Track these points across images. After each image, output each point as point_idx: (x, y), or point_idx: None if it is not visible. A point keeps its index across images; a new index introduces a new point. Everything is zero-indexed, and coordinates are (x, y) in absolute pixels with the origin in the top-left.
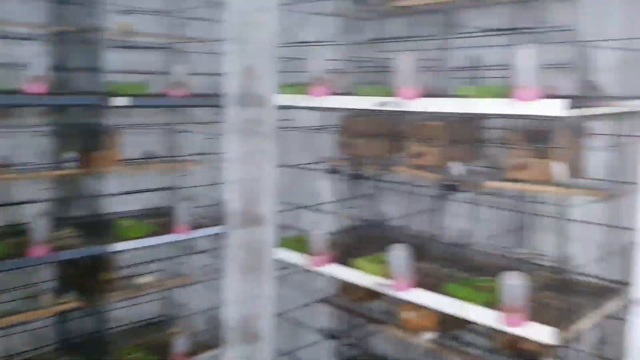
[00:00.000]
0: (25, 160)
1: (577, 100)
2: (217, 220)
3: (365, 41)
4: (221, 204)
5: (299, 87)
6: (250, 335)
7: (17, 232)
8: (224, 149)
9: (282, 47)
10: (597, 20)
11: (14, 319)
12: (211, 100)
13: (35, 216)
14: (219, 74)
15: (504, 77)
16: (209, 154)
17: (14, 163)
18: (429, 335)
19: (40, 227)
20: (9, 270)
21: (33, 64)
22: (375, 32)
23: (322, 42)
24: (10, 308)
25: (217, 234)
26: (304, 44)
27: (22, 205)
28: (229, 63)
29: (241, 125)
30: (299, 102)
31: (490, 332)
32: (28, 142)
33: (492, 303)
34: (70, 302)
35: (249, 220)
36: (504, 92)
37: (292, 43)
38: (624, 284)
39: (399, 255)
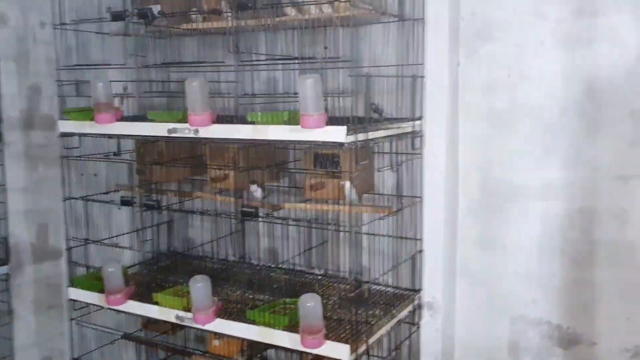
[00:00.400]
0: None
1: (357, 126)
2: (2, 259)
3: (157, 64)
4: (6, 239)
5: (86, 113)
6: None
7: None
8: (7, 179)
9: (67, 69)
10: (377, 47)
11: None
12: None
13: None
14: None
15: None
16: None
17: None
18: None
19: None
20: None
21: None
22: (168, 55)
23: (110, 64)
24: None
25: (3, 274)
26: (90, 67)
27: None
28: (8, 84)
29: (25, 152)
30: (86, 128)
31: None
32: None
33: (292, 325)
34: None
35: (39, 256)
36: (291, 119)
37: (78, 65)
38: (415, 290)
39: (199, 286)
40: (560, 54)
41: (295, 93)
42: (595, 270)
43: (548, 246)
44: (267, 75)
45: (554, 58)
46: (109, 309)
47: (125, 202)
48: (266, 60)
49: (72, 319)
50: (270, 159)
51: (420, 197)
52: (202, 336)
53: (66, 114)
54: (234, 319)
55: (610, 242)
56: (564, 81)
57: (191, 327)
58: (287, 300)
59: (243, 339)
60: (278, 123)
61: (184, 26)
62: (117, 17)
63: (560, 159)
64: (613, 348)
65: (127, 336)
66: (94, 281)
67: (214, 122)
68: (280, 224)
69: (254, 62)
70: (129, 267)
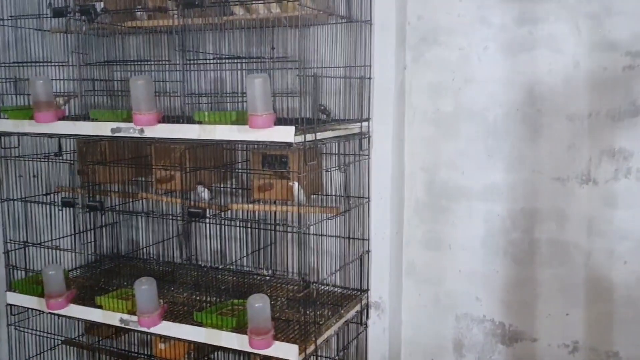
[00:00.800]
0: None
1: (305, 126)
2: None
3: (99, 62)
4: None
5: (25, 111)
6: None
7: None
8: None
9: (5, 66)
10: (324, 48)
11: None
12: None
13: None
14: None
15: (245, 102)
16: None
17: None
18: None
19: None
20: None
21: None
22: (113, 52)
23: (50, 62)
24: None
25: None
26: (31, 64)
27: None
28: None
29: None
30: (25, 127)
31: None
32: None
33: (240, 327)
34: None
35: None
36: (239, 118)
37: (17, 62)
38: (363, 290)
39: (144, 288)
40: (502, 59)
41: (243, 93)
42: (535, 268)
43: (491, 245)
44: (214, 75)
45: (497, 63)
46: (50, 313)
47: (66, 204)
48: (213, 59)
49: (9, 324)
50: (217, 160)
51: (367, 197)
52: (147, 340)
53: (4, 112)
54: (180, 322)
55: (549, 242)
56: (506, 86)
57: (136, 331)
58: (235, 301)
59: (190, 342)
60: (226, 123)
61: (129, 24)
62: (58, 13)
63: (502, 161)
64: (553, 344)
65: (68, 341)
66: (34, 285)
67: (159, 122)
68: (228, 225)
69: (201, 62)
70: (70, 271)
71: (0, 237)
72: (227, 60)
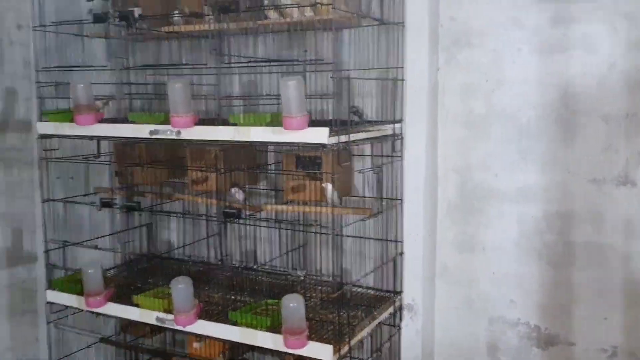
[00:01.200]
0: None
1: (338, 128)
2: None
3: (138, 66)
4: None
5: (65, 114)
6: None
7: None
8: None
9: (47, 70)
10: (357, 50)
11: None
12: None
13: None
14: None
15: (279, 104)
16: None
17: None
18: None
19: None
20: None
21: None
22: (149, 57)
23: (89, 66)
24: None
25: None
26: (70, 68)
27: None
28: None
29: (1, 154)
30: (65, 130)
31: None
32: None
33: (275, 326)
34: None
35: (14, 260)
36: (273, 120)
37: (59, 67)
38: (396, 292)
39: (181, 287)
40: (536, 61)
41: (277, 95)
42: (572, 271)
43: (526, 248)
44: (247, 77)
45: (531, 64)
46: (88, 311)
47: (105, 204)
48: (248, 62)
49: (49, 322)
50: (250, 162)
51: (400, 199)
52: (181, 339)
53: (45, 115)
54: (215, 321)
55: (586, 244)
56: (540, 87)
57: (170, 329)
58: (269, 301)
59: (225, 341)
60: (260, 124)
61: (165, 29)
62: (99, 19)
63: (536, 162)
64: (590, 348)
65: (105, 340)
66: (72, 284)
67: (196, 124)
68: (262, 226)
69: (237, 65)
70: (107, 270)
71: (37, 238)
72: (261, 63)
